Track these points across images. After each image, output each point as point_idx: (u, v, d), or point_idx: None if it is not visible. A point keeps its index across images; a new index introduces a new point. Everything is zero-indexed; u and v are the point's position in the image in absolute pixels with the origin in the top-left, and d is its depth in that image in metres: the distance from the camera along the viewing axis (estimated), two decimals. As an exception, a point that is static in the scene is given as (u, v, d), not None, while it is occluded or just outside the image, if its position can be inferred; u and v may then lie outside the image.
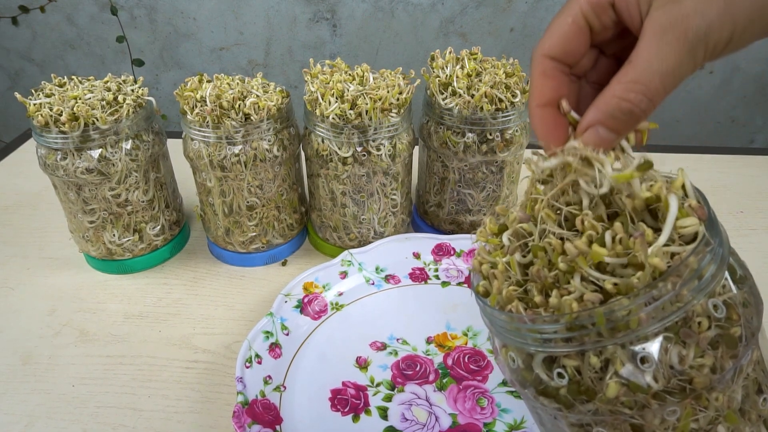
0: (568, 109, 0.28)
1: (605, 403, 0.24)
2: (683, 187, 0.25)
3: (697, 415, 0.24)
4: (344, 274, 0.58)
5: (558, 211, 0.27)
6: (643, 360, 0.23)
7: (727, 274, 0.25)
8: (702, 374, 0.23)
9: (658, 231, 0.24)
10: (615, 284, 0.23)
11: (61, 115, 0.52)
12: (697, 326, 0.23)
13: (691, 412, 0.24)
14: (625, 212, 0.25)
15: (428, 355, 0.51)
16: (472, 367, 0.49)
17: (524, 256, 0.28)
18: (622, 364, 0.23)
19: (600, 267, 0.24)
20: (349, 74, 0.57)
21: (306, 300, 0.55)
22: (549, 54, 0.28)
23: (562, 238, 0.26)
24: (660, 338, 0.23)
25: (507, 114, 0.55)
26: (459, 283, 0.58)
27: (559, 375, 0.25)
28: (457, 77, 0.56)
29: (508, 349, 0.28)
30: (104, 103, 0.54)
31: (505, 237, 0.28)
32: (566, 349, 0.24)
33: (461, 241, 0.61)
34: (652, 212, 0.25)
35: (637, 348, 0.23)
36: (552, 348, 0.25)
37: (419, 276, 0.59)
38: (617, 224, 0.24)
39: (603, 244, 0.24)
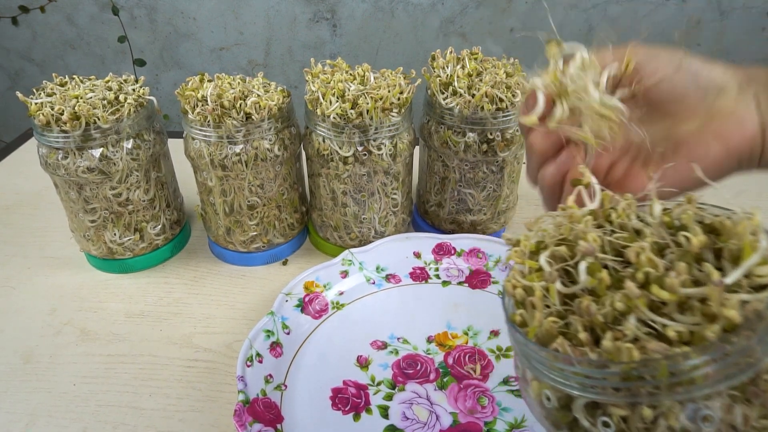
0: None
1: None
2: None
3: None
4: (345, 274, 0.58)
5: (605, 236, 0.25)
6: (705, 418, 0.21)
7: None
8: None
9: (719, 270, 0.22)
10: (678, 332, 0.21)
11: (62, 114, 0.52)
12: (765, 384, 0.21)
13: None
14: (689, 251, 0.23)
15: (429, 354, 0.51)
16: (472, 366, 0.49)
17: (565, 284, 0.25)
18: (678, 420, 0.21)
19: (652, 306, 0.22)
20: (350, 74, 0.57)
21: (307, 299, 0.55)
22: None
23: (605, 267, 0.24)
24: (724, 395, 0.21)
25: (507, 114, 0.55)
26: (459, 283, 0.59)
27: (605, 424, 0.22)
28: (457, 77, 0.56)
29: (542, 386, 0.25)
30: (105, 102, 0.54)
31: (542, 259, 0.26)
32: (617, 399, 0.22)
33: (462, 241, 0.61)
34: (715, 251, 0.24)
35: (698, 404, 0.21)
36: (599, 395, 0.22)
37: (420, 275, 0.59)
38: (681, 265, 0.22)
39: (661, 284, 0.22)
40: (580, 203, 0.29)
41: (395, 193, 0.60)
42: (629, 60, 0.31)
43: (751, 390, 0.21)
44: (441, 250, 0.61)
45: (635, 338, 0.22)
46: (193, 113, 0.53)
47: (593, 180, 0.29)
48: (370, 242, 0.61)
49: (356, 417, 0.45)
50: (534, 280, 0.26)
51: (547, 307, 0.25)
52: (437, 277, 0.59)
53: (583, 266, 0.25)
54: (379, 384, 0.48)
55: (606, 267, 0.25)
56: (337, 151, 0.55)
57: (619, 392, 0.22)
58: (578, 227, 0.26)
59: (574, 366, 0.22)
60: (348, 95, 0.53)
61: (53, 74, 0.60)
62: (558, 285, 0.25)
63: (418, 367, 0.49)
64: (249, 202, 0.58)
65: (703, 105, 0.31)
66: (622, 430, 0.22)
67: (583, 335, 0.23)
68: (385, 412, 0.45)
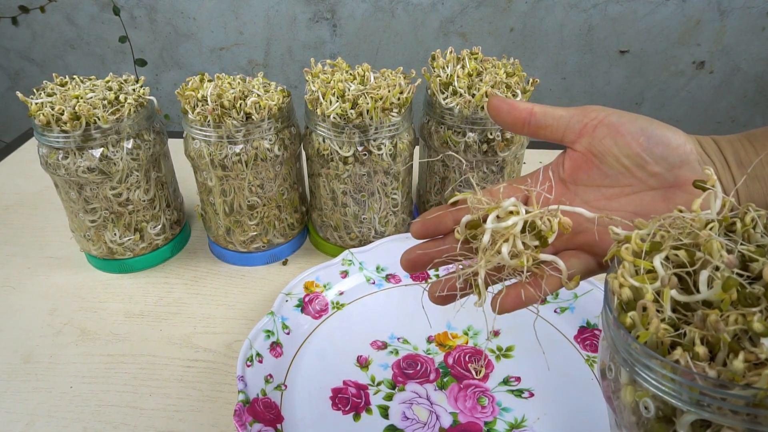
0: None
1: None
2: None
3: None
4: (345, 274, 0.58)
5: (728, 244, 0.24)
6: None
7: None
8: None
9: None
10: None
11: (62, 114, 0.52)
12: None
13: None
14: None
15: (429, 354, 0.51)
16: (475, 366, 0.49)
17: (681, 290, 0.24)
18: None
19: None
20: (350, 74, 0.57)
21: (307, 299, 0.55)
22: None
23: (737, 288, 0.23)
24: None
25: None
26: (459, 283, 0.58)
27: None
28: (457, 77, 0.56)
29: (641, 393, 0.23)
30: (106, 102, 0.54)
31: (657, 261, 0.25)
32: (735, 423, 0.20)
33: (462, 241, 0.61)
34: None
35: None
36: (714, 415, 0.21)
37: (420, 275, 0.59)
38: None
39: None
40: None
41: (395, 193, 0.60)
42: (561, 224, 0.31)
43: None
44: (441, 250, 0.61)
45: (765, 361, 0.21)
46: (193, 113, 0.53)
47: (717, 184, 0.27)
48: (370, 242, 0.61)
49: (356, 417, 0.45)
50: (645, 282, 0.24)
51: (658, 312, 0.24)
52: (437, 277, 0.59)
53: (705, 276, 0.24)
54: (379, 384, 0.48)
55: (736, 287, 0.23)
56: (337, 151, 0.55)
57: (738, 415, 0.20)
58: (703, 233, 0.25)
59: (694, 381, 0.21)
60: (348, 95, 0.53)
61: (53, 74, 0.60)
62: (674, 291, 0.24)
63: (418, 367, 0.49)
64: (249, 202, 0.58)
65: (665, 173, 0.31)
66: None
67: (701, 349, 0.22)
68: (385, 412, 0.45)
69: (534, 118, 0.34)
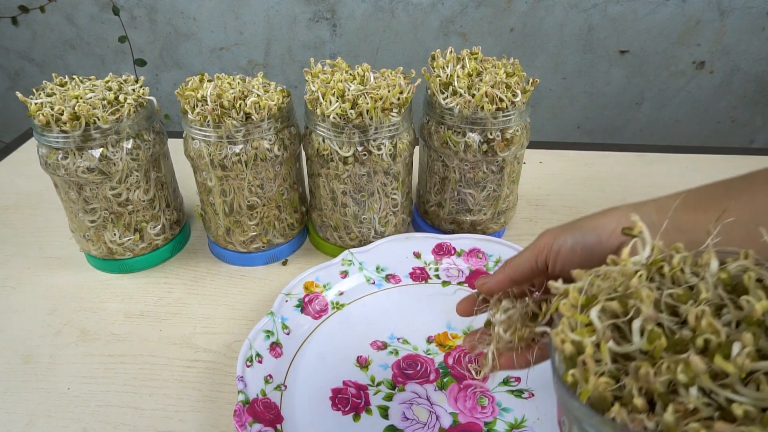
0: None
1: None
2: None
3: None
4: (345, 274, 0.58)
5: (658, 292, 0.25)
6: None
7: None
8: None
9: None
10: (746, 410, 0.20)
11: (62, 114, 0.52)
12: None
13: None
14: (751, 317, 0.22)
15: (429, 354, 0.51)
16: (476, 367, 0.49)
17: (616, 342, 0.24)
18: None
19: (712, 375, 0.22)
20: (350, 74, 0.57)
21: (307, 299, 0.55)
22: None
23: (660, 325, 0.23)
24: None
25: (508, 113, 0.55)
26: (459, 283, 0.58)
27: None
28: (457, 77, 0.56)
29: None
30: (105, 102, 0.54)
31: (593, 314, 0.25)
32: None
33: (462, 241, 0.61)
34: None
35: None
36: None
37: (420, 275, 0.59)
38: (747, 336, 0.21)
39: (725, 354, 0.21)
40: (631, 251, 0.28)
41: (395, 193, 0.60)
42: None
43: None
44: (441, 250, 0.61)
45: (695, 409, 0.21)
46: (192, 113, 0.53)
47: (645, 230, 0.28)
48: (370, 242, 0.61)
49: (356, 417, 0.45)
50: (584, 335, 0.25)
51: (597, 361, 0.24)
52: (437, 277, 0.59)
53: (637, 325, 0.24)
54: (379, 384, 0.48)
55: (660, 325, 0.24)
56: (337, 151, 0.55)
57: None
58: (631, 283, 0.25)
59: None
60: (348, 95, 0.53)
61: (53, 74, 0.60)
62: (611, 343, 0.24)
63: (418, 368, 0.49)
64: (249, 202, 0.58)
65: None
66: None
67: (639, 402, 0.22)
68: (385, 412, 0.45)
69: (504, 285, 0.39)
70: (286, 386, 0.47)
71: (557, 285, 0.28)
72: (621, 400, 0.23)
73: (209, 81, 0.57)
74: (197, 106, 0.54)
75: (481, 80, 0.56)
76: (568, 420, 0.26)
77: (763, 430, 0.20)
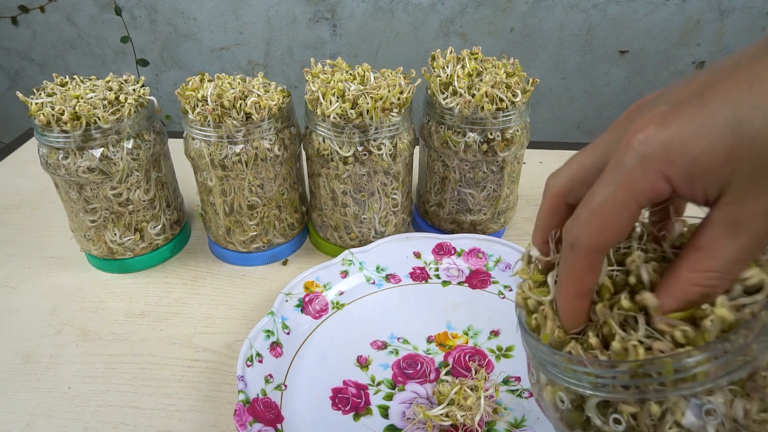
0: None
1: None
2: None
3: None
4: (345, 274, 0.58)
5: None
6: (708, 412, 0.22)
7: None
8: (765, 430, 0.23)
9: None
10: (684, 331, 0.23)
11: (62, 114, 0.52)
12: (762, 380, 0.23)
13: None
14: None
15: (429, 354, 0.51)
16: (477, 366, 0.49)
17: None
18: (683, 415, 0.23)
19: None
20: (350, 74, 0.57)
21: (307, 299, 0.55)
22: (603, 247, 0.25)
23: (611, 277, 0.25)
24: (725, 391, 0.23)
25: (508, 113, 0.55)
26: (459, 283, 0.59)
27: (616, 421, 0.24)
28: (457, 77, 0.56)
29: (556, 389, 0.27)
30: (106, 102, 0.54)
31: (550, 278, 0.28)
32: (626, 396, 0.23)
33: (462, 241, 0.61)
34: None
35: (702, 400, 0.23)
36: (610, 394, 0.24)
37: (420, 275, 0.59)
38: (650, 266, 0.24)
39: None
40: None
41: (395, 193, 0.60)
42: None
43: (750, 385, 0.23)
44: (441, 250, 0.61)
45: (641, 342, 0.23)
46: (193, 113, 0.53)
47: None
48: (370, 242, 0.61)
49: (356, 417, 0.45)
50: (542, 294, 0.27)
51: (554, 311, 0.27)
52: (437, 277, 0.59)
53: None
54: (379, 384, 0.48)
55: (611, 278, 0.26)
56: (337, 151, 0.55)
57: (628, 390, 0.23)
58: None
59: (587, 367, 0.24)
60: (348, 95, 0.53)
61: (53, 74, 0.60)
62: None
63: (418, 367, 0.49)
64: (249, 202, 0.58)
65: None
66: (632, 427, 0.24)
67: (594, 340, 0.24)
68: (385, 412, 0.45)
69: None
70: (286, 386, 0.47)
71: (534, 252, 0.29)
72: (577, 340, 0.25)
73: (209, 81, 0.57)
74: (197, 106, 0.54)
75: (481, 80, 0.56)
76: (534, 369, 0.28)
77: (696, 349, 0.22)
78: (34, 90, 0.56)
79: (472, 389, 0.44)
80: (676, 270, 0.24)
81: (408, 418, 0.45)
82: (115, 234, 0.59)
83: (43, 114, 0.52)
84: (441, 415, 0.43)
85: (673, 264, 0.25)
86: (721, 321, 0.22)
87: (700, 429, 0.23)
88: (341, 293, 0.57)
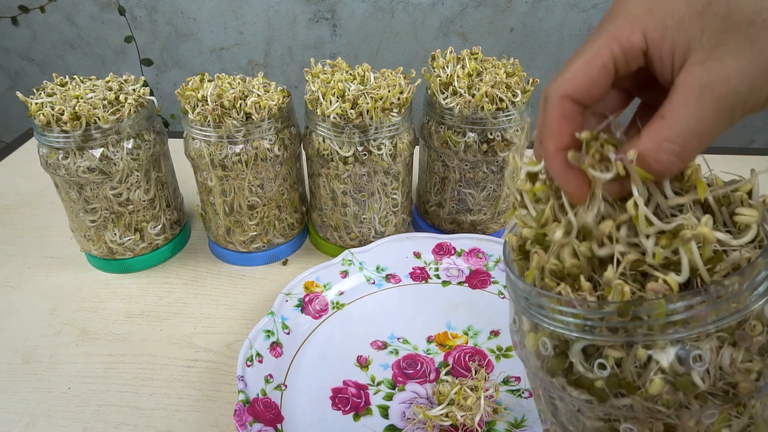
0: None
1: (644, 399, 0.23)
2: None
3: (731, 421, 0.23)
4: (345, 274, 0.58)
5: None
6: (695, 359, 0.22)
7: None
8: (748, 379, 0.22)
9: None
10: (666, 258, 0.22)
11: (62, 114, 0.52)
12: (751, 330, 0.23)
13: (726, 417, 0.23)
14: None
15: (429, 354, 0.51)
16: (476, 366, 0.49)
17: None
18: (669, 361, 0.22)
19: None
20: (350, 74, 0.57)
21: (307, 299, 0.55)
22: (572, 96, 0.25)
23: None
24: (713, 338, 0.22)
25: (508, 113, 0.55)
26: (459, 283, 0.59)
27: (600, 366, 0.23)
28: (457, 77, 0.56)
29: (539, 335, 0.26)
30: (106, 102, 0.54)
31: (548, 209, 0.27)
32: (613, 340, 0.23)
33: (462, 241, 0.61)
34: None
35: (689, 346, 0.22)
36: (597, 337, 0.23)
37: (420, 275, 0.59)
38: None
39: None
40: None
41: (395, 193, 0.60)
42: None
43: (738, 334, 0.22)
44: (441, 250, 0.61)
45: (633, 279, 0.23)
46: (193, 113, 0.53)
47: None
48: (370, 242, 0.61)
49: (356, 417, 0.45)
50: (539, 219, 0.27)
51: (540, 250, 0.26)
52: (437, 277, 0.59)
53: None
54: (379, 384, 0.48)
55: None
56: (337, 151, 0.55)
57: (616, 333, 0.23)
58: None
59: (575, 308, 0.23)
60: (348, 95, 0.53)
61: (53, 74, 0.60)
62: (559, 233, 0.25)
63: (418, 367, 0.49)
64: (249, 202, 0.58)
65: None
66: (616, 373, 0.23)
67: (585, 284, 0.24)
68: (385, 412, 0.45)
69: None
70: (286, 386, 0.47)
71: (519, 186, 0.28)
72: (566, 282, 0.25)
73: (209, 81, 0.57)
74: (198, 106, 0.54)
75: (481, 80, 0.56)
76: (517, 315, 0.28)
77: (688, 292, 0.22)
78: (34, 90, 0.56)
79: (472, 389, 0.44)
80: (638, 138, 0.24)
81: (408, 418, 0.45)
82: (115, 234, 0.59)
83: (43, 114, 0.52)
84: (441, 415, 0.43)
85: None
86: (701, 239, 0.22)
87: (684, 375, 0.22)
88: (341, 293, 0.57)
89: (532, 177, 0.28)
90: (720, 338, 0.22)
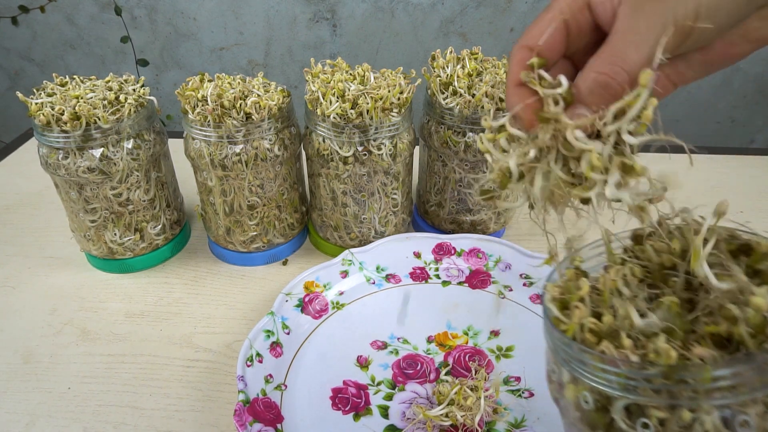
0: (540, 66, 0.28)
1: None
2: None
3: None
4: (345, 274, 0.58)
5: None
6: (742, 424, 0.22)
7: None
8: None
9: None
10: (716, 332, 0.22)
11: (62, 114, 0.52)
12: None
13: None
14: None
15: (429, 354, 0.51)
16: (477, 366, 0.49)
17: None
18: (715, 425, 0.22)
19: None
20: (350, 74, 0.57)
21: (307, 299, 0.55)
22: (528, 45, 0.29)
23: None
24: (759, 403, 0.22)
25: (508, 113, 0.55)
26: (459, 283, 0.59)
27: (644, 425, 0.23)
28: (457, 77, 0.56)
29: (580, 387, 0.26)
30: (106, 102, 0.54)
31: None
32: (657, 401, 0.23)
33: (462, 241, 0.61)
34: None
35: (734, 410, 0.22)
36: (640, 397, 0.23)
37: (420, 275, 0.59)
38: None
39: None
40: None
41: (395, 193, 0.60)
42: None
43: None
44: (441, 250, 0.61)
45: (680, 344, 0.23)
46: (193, 113, 0.53)
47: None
48: (370, 242, 0.61)
49: (356, 417, 0.45)
50: (573, 297, 0.27)
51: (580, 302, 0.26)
52: (437, 277, 0.59)
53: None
54: (379, 384, 0.48)
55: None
56: (337, 151, 0.55)
57: (660, 394, 0.22)
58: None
59: (619, 367, 0.23)
60: (348, 95, 0.53)
61: (53, 74, 0.60)
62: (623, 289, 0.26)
63: (418, 367, 0.49)
64: (249, 202, 0.58)
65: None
66: None
67: (626, 341, 0.24)
68: (385, 412, 0.45)
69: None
70: (286, 386, 0.47)
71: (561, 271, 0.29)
72: (608, 339, 0.25)
73: (209, 81, 0.57)
74: (198, 106, 0.54)
75: (481, 80, 0.56)
76: (556, 365, 0.27)
77: (738, 358, 0.21)
78: (34, 90, 0.56)
79: (472, 389, 0.44)
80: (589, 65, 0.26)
81: (408, 419, 0.45)
82: (115, 234, 0.59)
83: (43, 114, 0.52)
84: (441, 415, 0.43)
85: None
86: (756, 310, 0.22)
87: None
88: (341, 293, 0.57)
89: (497, 129, 0.30)
90: (766, 403, 0.22)
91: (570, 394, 0.26)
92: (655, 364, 0.22)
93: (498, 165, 0.29)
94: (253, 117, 0.53)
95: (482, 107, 0.54)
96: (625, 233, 0.30)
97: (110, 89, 0.57)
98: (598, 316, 0.26)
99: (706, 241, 0.25)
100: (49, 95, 0.55)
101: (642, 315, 0.24)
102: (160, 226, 0.62)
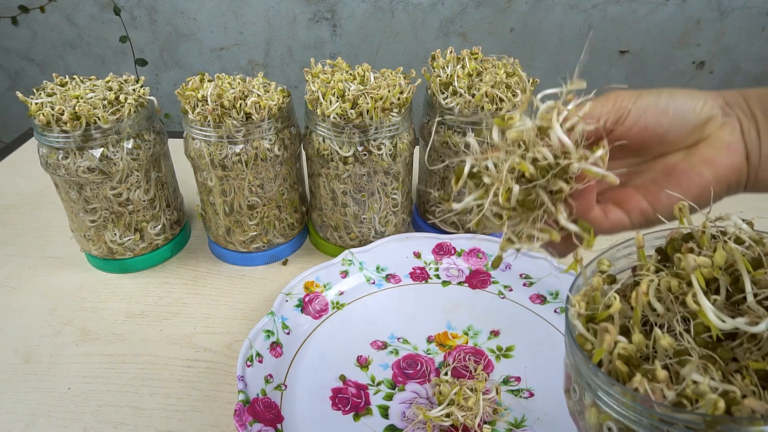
0: None
1: None
2: None
3: None
4: (345, 274, 0.58)
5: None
6: None
7: None
8: None
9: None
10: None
11: (62, 114, 0.52)
12: None
13: None
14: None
15: (429, 354, 0.51)
16: (476, 365, 0.49)
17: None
18: None
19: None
20: (350, 74, 0.57)
21: (307, 299, 0.55)
22: None
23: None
24: None
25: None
26: (459, 283, 0.59)
27: None
28: (457, 77, 0.56)
29: (603, 415, 0.24)
30: (106, 102, 0.54)
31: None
32: None
33: (462, 241, 0.61)
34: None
35: None
36: None
37: (420, 275, 0.59)
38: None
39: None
40: None
41: (395, 193, 0.60)
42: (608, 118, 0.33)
43: None
44: (441, 250, 0.61)
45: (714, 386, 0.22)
46: (193, 113, 0.53)
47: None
48: (370, 242, 0.61)
49: (356, 417, 0.45)
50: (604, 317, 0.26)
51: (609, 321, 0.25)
52: (437, 277, 0.59)
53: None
54: (379, 384, 0.48)
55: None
56: (337, 151, 0.55)
57: None
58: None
59: (653, 408, 0.22)
60: (348, 95, 0.53)
61: (53, 74, 0.60)
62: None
63: (418, 367, 0.49)
64: (249, 202, 0.58)
65: (690, 136, 0.32)
66: None
67: (661, 373, 0.22)
68: (385, 412, 0.45)
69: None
70: (286, 386, 0.47)
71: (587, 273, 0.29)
72: (638, 370, 0.23)
73: (209, 81, 0.57)
74: (198, 106, 0.54)
75: (481, 80, 0.56)
76: (579, 388, 0.26)
77: None
78: (34, 90, 0.56)
79: (472, 390, 0.44)
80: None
81: (408, 418, 0.45)
82: (115, 234, 0.59)
83: (43, 114, 0.52)
84: (441, 415, 0.43)
85: None
86: None
87: None
88: (341, 293, 0.56)
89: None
90: None
91: (592, 419, 0.25)
92: (694, 405, 0.21)
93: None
94: (253, 117, 0.53)
95: (482, 107, 0.54)
96: (658, 233, 0.29)
97: (110, 89, 0.57)
98: (626, 331, 0.24)
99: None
100: (49, 95, 0.55)
101: (677, 337, 0.23)
102: (160, 226, 0.62)
